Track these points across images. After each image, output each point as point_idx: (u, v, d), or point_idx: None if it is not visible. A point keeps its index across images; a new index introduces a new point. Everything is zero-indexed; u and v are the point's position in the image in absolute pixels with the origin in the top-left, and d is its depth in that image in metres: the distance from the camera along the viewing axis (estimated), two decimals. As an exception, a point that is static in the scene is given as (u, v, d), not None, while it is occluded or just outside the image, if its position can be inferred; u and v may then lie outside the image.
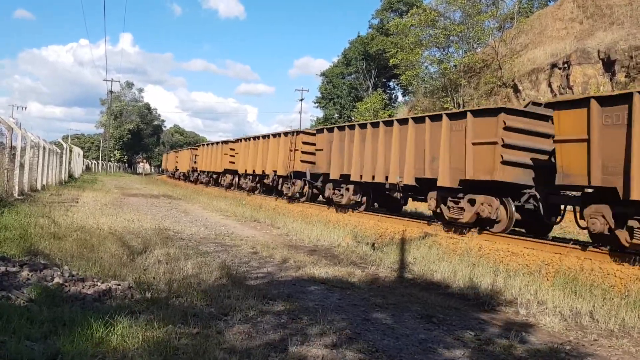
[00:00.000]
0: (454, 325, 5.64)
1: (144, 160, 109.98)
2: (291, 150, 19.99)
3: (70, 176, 34.89)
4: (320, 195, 19.80)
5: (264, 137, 23.80)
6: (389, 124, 13.66)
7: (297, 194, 19.88)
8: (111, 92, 78.61)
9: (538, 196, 9.91)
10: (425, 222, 12.88)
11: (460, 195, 11.14)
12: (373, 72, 53.12)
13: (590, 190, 8.79)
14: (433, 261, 9.04)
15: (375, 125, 14.33)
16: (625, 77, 22.25)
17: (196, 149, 40.22)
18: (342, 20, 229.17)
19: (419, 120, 12.47)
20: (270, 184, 22.17)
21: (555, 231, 13.05)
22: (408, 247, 10.32)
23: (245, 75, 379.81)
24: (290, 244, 11.22)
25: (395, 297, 6.75)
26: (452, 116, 11.37)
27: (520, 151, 10.18)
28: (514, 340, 5.07)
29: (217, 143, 32.19)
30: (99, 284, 5.73)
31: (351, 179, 15.17)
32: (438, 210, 11.98)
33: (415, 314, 5.97)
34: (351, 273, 7.97)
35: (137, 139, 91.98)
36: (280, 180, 21.45)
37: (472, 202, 10.86)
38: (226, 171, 29.85)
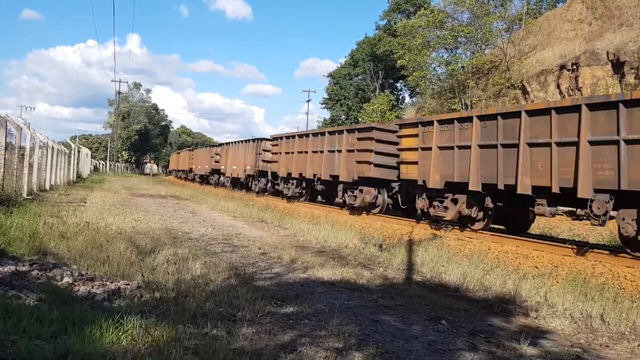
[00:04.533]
0: (463, 327, 5.61)
1: (152, 161, 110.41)
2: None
3: (79, 176, 35.05)
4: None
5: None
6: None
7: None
8: (119, 93, 78.96)
9: None
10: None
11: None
12: (380, 73, 53.01)
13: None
14: (442, 263, 9.00)
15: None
16: (635, 78, 22.10)
17: (275, 141, 23.39)
18: (349, 21, 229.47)
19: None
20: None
21: (565, 232, 13.00)
22: (416, 248, 10.29)
23: (252, 76, 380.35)
24: (298, 244, 11.20)
25: (404, 298, 6.72)
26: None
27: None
28: (524, 343, 5.03)
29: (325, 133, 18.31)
30: (108, 283, 5.74)
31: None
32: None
33: (425, 315, 5.95)
34: (359, 274, 7.95)
35: (145, 140, 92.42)
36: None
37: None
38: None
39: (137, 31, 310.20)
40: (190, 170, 45.87)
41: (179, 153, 60.92)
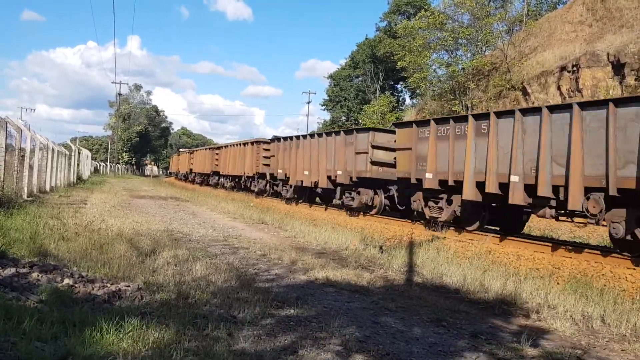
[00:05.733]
0: (464, 329, 5.60)
1: (152, 163, 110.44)
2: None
3: (79, 178, 35.05)
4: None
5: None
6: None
7: None
8: (119, 94, 78.98)
9: None
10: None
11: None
12: (381, 74, 53.06)
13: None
14: (442, 264, 9.00)
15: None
16: (635, 80, 22.10)
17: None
18: (349, 22, 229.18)
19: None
20: None
21: (565, 234, 12.98)
22: (417, 250, 10.28)
23: (252, 78, 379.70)
24: (298, 246, 11.19)
25: (404, 300, 6.72)
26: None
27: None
28: (525, 344, 5.03)
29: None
30: (108, 285, 5.74)
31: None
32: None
33: (425, 317, 5.94)
34: (360, 276, 7.95)
35: (145, 141, 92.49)
36: None
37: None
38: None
39: (137, 32, 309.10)
40: (261, 175, 25.04)
41: (212, 149, 38.04)
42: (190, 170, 46.33)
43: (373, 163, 15.19)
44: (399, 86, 57.53)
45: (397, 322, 5.67)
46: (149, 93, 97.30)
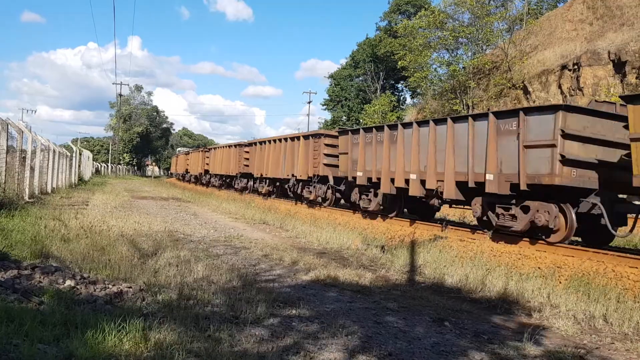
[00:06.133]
0: (466, 328, 5.60)
1: (153, 163, 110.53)
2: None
3: (80, 179, 35.07)
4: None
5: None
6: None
7: None
8: (120, 95, 78.98)
9: None
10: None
11: None
12: (381, 74, 53.06)
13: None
14: (444, 264, 8.98)
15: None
16: (636, 78, 22.08)
17: None
18: (349, 22, 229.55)
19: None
20: None
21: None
22: (418, 249, 10.26)
23: (253, 78, 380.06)
24: (300, 246, 11.19)
25: (406, 300, 6.71)
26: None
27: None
28: (527, 343, 5.02)
29: None
30: (110, 286, 5.73)
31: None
32: None
33: (427, 317, 5.93)
34: (361, 276, 7.94)
35: (146, 142, 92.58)
36: None
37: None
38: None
39: (137, 33, 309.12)
40: (322, 179, 19.49)
41: (240, 146, 29.75)
42: (206, 171, 39.19)
43: (565, 162, 9.03)
44: (399, 85, 57.61)
45: (400, 322, 5.66)
46: (149, 94, 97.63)
